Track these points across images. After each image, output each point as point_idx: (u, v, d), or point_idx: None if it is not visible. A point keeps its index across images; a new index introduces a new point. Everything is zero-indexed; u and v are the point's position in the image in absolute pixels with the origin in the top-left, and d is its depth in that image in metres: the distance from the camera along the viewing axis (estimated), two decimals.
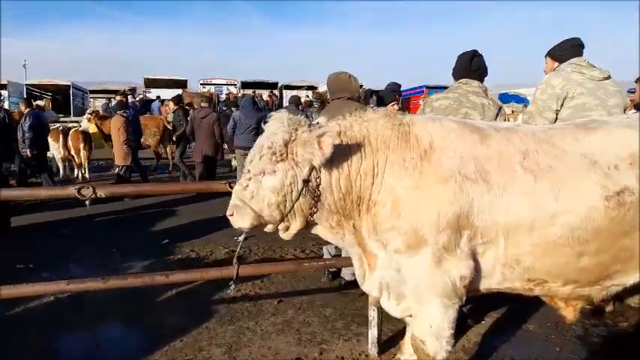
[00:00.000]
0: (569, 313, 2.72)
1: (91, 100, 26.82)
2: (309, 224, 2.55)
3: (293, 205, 2.42)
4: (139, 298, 3.98)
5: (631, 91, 3.51)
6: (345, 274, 4.30)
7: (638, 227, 2.20)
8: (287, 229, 2.55)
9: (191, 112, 10.75)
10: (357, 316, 3.81)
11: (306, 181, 2.37)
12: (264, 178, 2.37)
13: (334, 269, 4.45)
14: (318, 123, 2.54)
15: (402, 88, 6.73)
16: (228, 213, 2.46)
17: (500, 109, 3.26)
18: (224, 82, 27.15)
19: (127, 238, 6.08)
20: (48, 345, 3.34)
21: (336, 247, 4.51)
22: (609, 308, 3.78)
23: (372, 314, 3.11)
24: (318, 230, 2.63)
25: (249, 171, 2.42)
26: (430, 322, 2.39)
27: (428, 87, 22.71)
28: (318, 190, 2.41)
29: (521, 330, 3.59)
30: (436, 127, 2.44)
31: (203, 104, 9.16)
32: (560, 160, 2.28)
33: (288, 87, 26.51)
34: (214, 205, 8.00)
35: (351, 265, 3.86)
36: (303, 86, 25.91)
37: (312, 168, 2.36)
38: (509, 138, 2.39)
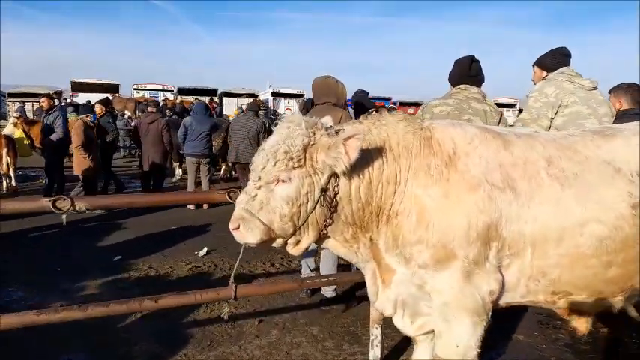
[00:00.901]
0: (582, 324, 2.68)
1: (10, 104, 24.69)
2: (321, 237, 2.32)
3: (307, 217, 2.18)
4: (97, 324, 3.47)
5: None
6: (326, 290, 4.07)
7: None
8: (297, 243, 2.31)
9: (136, 118, 10.05)
10: (346, 334, 3.61)
11: (324, 190, 2.14)
12: (278, 187, 2.12)
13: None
14: (331, 127, 2.31)
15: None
16: (232, 227, 2.17)
17: (501, 115, 3.23)
18: (160, 87, 26.01)
19: (73, 254, 5.44)
20: None
21: (315, 261, 4.29)
22: None
23: (375, 332, 2.93)
24: (329, 244, 2.40)
25: (259, 178, 2.15)
26: (457, 342, 2.24)
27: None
28: (336, 200, 2.19)
29: (512, 340, 3.56)
30: (458, 133, 2.31)
31: (150, 109, 8.59)
32: (585, 167, 2.22)
33: (228, 94, 25.89)
34: (165, 217, 7.49)
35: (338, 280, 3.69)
36: (244, 94, 25.43)
37: (332, 175, 2.14)
38: (532, 144, 2.31)
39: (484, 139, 2.29)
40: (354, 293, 4.34)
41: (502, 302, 2.35)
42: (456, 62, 3.32)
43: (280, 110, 24.57)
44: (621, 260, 2.19)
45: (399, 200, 2.21)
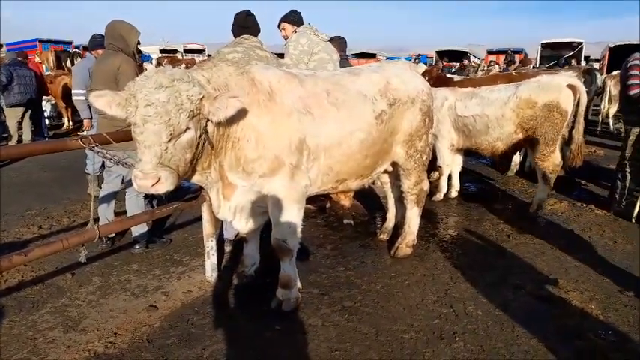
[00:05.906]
0: (347, 201, 4.00)
1: None
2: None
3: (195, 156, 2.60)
4: None
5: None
6: (138, 230, 4.23)
7: (390, 134, 3.53)
8: (178, 180, 2.62)
9: None
10: (167, 261, 4.03)
11: (205, 132, 2.58)
12: (184, 136, 2.43)
13: (112, 235, 4.28)
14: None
15: None
16: (150, 183, 2.33)
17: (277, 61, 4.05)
18: None
19: None
20: None
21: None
22: (329, 205, 5.34)
23: (210, 244, 3.51)
24: (189, 174, 2.82)
25: (173, 131, 2.35)
26: (289, 224, 3.12)
27: (41, 41, 20.39)
28: (207, 138, 2.65)
29: None
30: (270, 74, 3.07)
31: None
32: (348, 95, 3.33)
33: None
34: None
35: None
36: None
37: (208, 120, 2.56)
38: (316, 81, 3.28)
39: (287, 79, 3.12)
40: (154, 232, 4.64)
41: (309, 193, 3.34)
42: (235, 16, 3.95)
43: None
44: (372, 153, 3.47)
45: (240, 129, 2.85)
